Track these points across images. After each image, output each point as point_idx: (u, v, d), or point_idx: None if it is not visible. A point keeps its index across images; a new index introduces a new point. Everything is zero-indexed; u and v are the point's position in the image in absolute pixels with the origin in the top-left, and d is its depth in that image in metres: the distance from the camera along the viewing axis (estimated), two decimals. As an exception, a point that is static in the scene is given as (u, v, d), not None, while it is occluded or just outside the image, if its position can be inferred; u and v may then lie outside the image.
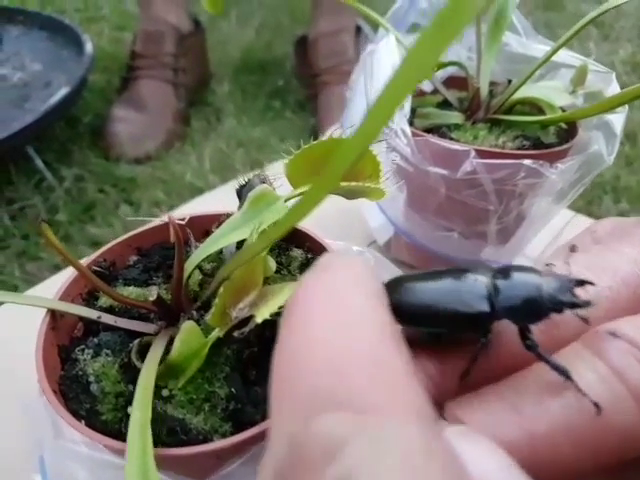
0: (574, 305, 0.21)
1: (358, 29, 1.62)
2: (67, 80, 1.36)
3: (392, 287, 0.23)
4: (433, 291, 0.22)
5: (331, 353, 0.15)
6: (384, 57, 0.49)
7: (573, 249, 0.25)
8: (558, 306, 0.21)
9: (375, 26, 0.57)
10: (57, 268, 1.20)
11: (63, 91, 1.30)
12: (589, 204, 1.30)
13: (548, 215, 0.54)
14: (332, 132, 0.92)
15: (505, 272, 0.22)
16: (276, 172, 0.39)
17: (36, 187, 1.35)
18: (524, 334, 0.21)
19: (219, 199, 0.79)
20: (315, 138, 1.22)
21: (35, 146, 1.36)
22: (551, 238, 0.65)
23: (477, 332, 0.21)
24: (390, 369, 0.15)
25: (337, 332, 0.15)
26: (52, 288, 0.66)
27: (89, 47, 1.44)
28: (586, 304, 0.21)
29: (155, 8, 1.58)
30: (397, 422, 0.14)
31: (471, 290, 0.21)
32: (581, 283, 0.22)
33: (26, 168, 1.36)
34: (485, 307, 0.21)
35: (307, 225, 0.40)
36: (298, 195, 0.33)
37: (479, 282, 0.22)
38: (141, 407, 0.28)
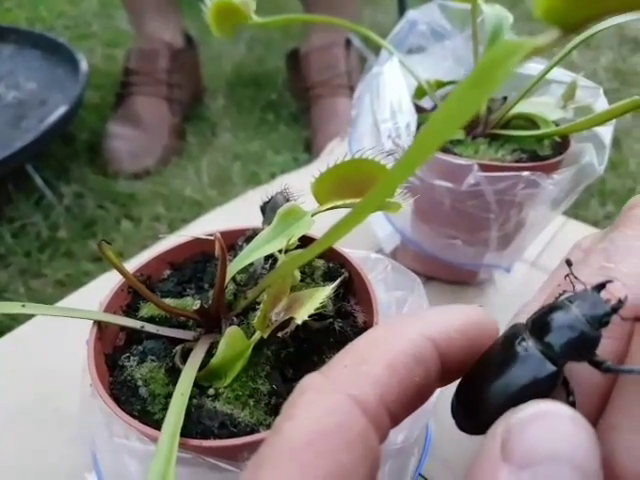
0: (613, 311, 0.22)
1: (348, 42, 1.66)
2: (63, 98, 1.38)
3: (465, 409, 0.24)
4: (501, 391, 0.22)
5: None
6: (389, 79, 0.53)
7: (569, 262, 0.28)
8: (602, 321, 0.22)
9: (369, 41, 0.60)
10: (60, 284, 1.22)
11: (61, 109, 1.33)
12: (576, 207, 1.35)
13: (544, 222, 0.58)
14: (333, 146, 0.95)
15: (537, 323, 0.23)
16: (297, 189, 0.42)
17: (36, 205, 1.37)
18: (594, 362, 0.22)
19: (218, 217, 0.83)
20: (308, 150, 1.26)
21: (33, 164, 1.38)
22: (545, 242, 0.69)
23: (555, 388, 0.22)
24: None
25: None
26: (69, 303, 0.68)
27: (84, 65, 1.47)
28: (620, 303, 0.22)
29: (149, 26, 1.61)
30: None
31: (529, 361, 0.22)
32: (602, 286, 0.23)
33: (25, 186, 1.38)
34: (551, 367, 0.22)
35: (317, 235, 0.42)
36: (324, 210, 0.36)
37: (529, 349, 0.22)
38: (174, 413, 0.30)
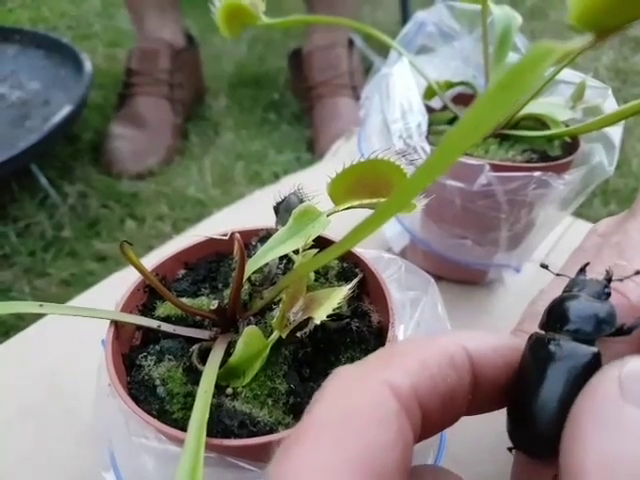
0: (608, 281, 0.24)
1: (350, 42, 1.66)
2: (67, 98, 1.38)
3: (530, 433, 0.23)
4: (557, 393, 0.22)
5: None
6: (399, 79, 0.53)
7: (543, 265, 0.29)
8: (605, 293, 0.24)
9: (370, 41, 0.61)
10: (65, 283, 1.22)
11: (66, 109, 1.33)
12: (580, 207, 1.34)
13: (554, 222, 0.58)
14: (338, 146, 0.95)
15: (553, 320, 0.24)
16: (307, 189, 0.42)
17: (40, 204, 1.37)
18: (621, 332, 0.23)
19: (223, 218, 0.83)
20: (311, 149, 1.25)
21: (37, 164, 1.38)
22: (554, 242, 0.69)
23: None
24: None
25: None
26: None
27: (88, 65, 1.47)
28: (608, 274, 0.24)
29: (149, 26, 1.61)
30: None
31: (569, 353, 0.22)
32: (582, 270, 0.26)
33: (29, 186, 1.39)
34: (592, 349, 0.22)
35: (330, 235, 0.42)
36: (340, 211, 0.37)
37: (562, 343, 0.23)
38: (200, 409, 0.31)
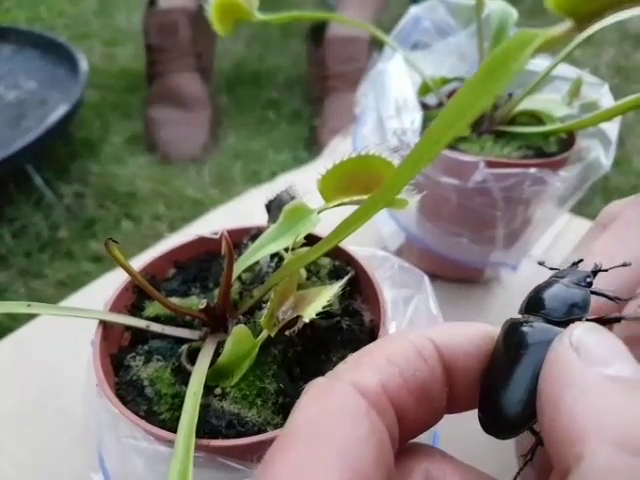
0: (593, 273, 0.24)
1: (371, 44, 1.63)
2: (63, 98, 1.38)
3: (496, 410, 0.23)
4: (526, 371, 0.22)
5: None
6: (394, 75, 0.53)
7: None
8: (586, 281, 0.24)
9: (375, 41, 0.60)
10: (61, 284, 1.22)
11: (62, 109, 1.33)
12: (580, 205, 1.33)
13: (551, 219, 0.57)
14: (336, 144, 0.95)
15: (531, 303, 0.24)
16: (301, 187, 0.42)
17: (36, 205, 1.37)
18: (612, 319, 0.23)
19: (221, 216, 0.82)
20: (309, 148, 1.24)
21: (33, 164, 1.37)
22: (552, 239, 0.69)
23: None
24: None
25: None
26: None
27: (84, 64, 1.46)
28: (596, 266, 0.25)
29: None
30: None
31: (538, 334, 0.23)
32: (577, 263, 0.26)
33: (25, 186, 1.38)
34: (560, 330, 0.22)
35: (321, 233, 0.42)
36: (331, 208, 0.36)
37: (534, 325, 0.23)
38: (189, 411, 0.30)
